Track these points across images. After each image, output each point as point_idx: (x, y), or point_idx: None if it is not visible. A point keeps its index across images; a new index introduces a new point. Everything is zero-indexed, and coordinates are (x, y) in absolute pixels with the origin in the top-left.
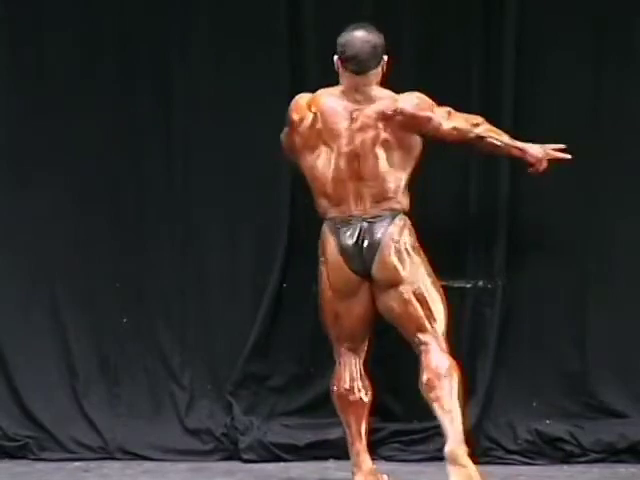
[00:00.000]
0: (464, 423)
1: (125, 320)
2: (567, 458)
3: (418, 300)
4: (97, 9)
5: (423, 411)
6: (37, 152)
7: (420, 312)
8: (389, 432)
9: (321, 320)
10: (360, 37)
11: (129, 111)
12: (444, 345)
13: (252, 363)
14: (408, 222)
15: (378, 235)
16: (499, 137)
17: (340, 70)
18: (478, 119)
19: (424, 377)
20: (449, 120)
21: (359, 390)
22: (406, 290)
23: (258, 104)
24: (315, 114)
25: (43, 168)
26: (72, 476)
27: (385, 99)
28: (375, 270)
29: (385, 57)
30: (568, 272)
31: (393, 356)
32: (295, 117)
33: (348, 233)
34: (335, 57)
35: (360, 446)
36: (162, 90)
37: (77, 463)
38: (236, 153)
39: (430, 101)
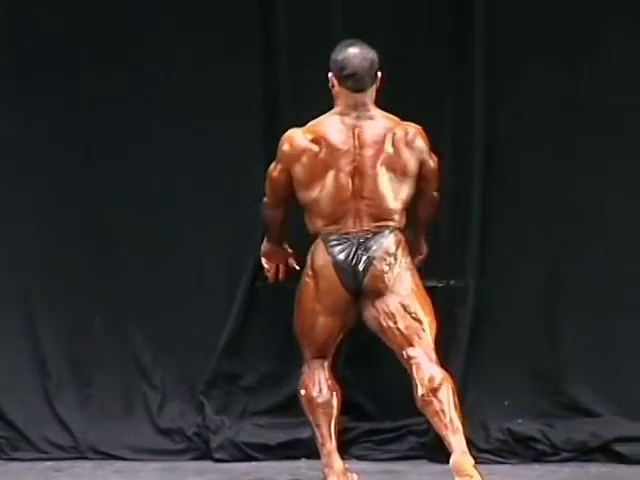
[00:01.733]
0: (464, 432)
1: (97, 320)
2: (539, 457)
3: (406, 313)
4: (69, 8)
5: (395, 410)
6: (11, 154)
7: (408, 325)
8: (361, 431)
9: (294, 328)
10: (357, 54)
11: (105, 111)
12: (434, 356)
13: (224, 363)
14: (403, 238)
15: (373, 249)
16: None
17: (336, 88)
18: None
19: (419, 393)
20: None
21: (327, 392)
22: (393, 303)
23: (232, 104)
24: (318, 143)
25: (16, 170)
26: (43, 476)
27: (387, 119)
28: (366, 281)
29: (379, 73)
30: (540, 271)
31: (365, 355)
32: (291, 150)
33: (343, 250)
34: (330, 74)
35: (331, 446)
36: (137, 90)
37: (49, 463)
38: (210, 153)
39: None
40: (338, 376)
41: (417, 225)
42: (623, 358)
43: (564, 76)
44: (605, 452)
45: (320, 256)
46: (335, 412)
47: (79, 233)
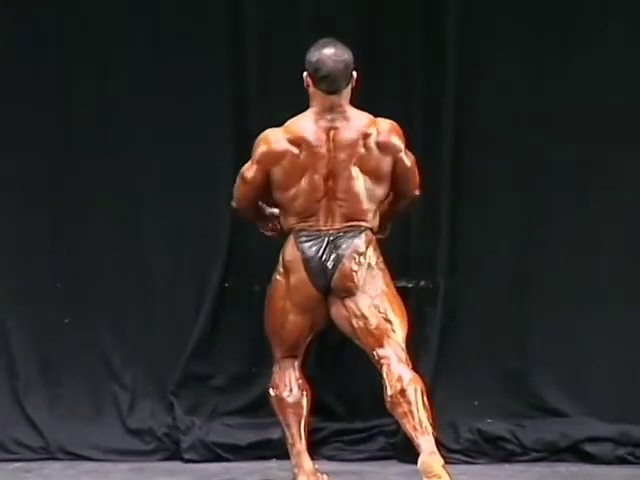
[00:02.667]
0: (434, 433)
1: (66, 320)
2: (508, 457)
3: (376, 313)
4: (34, 8)
5: (365, 410)
6: None
7: (378, 326)
8: (331, 432)
9: (265, 326)
10: (331, 55)
11: (69, 109)
12: (403, 357)
13: (194, 363)
14: (374, 239)
15: (343, 247)
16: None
17: (311, 89)
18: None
19: (388, 394)
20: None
21: (298, 392)
22: (363, 303)
23: (199, 105)
24: (298, 145)
25: None
26: (12, 477)
27: (362, 119)
28: (335, 279)
29: (354, 73)
30: (510, 272)
31: (335, 356)
32: (269, 152)
33: (314, 247)
34: (305, 74)
35: (301, 447)
36: (102, 88)
37: (18, 464)
38: (178, 153)
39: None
40: (308, 376)
41: (390, 210)
42: (592, 359)
43: (535, 77)
44: (574, 452)
45: (290, 252)
46: (305, 412)
47: (48, 233)
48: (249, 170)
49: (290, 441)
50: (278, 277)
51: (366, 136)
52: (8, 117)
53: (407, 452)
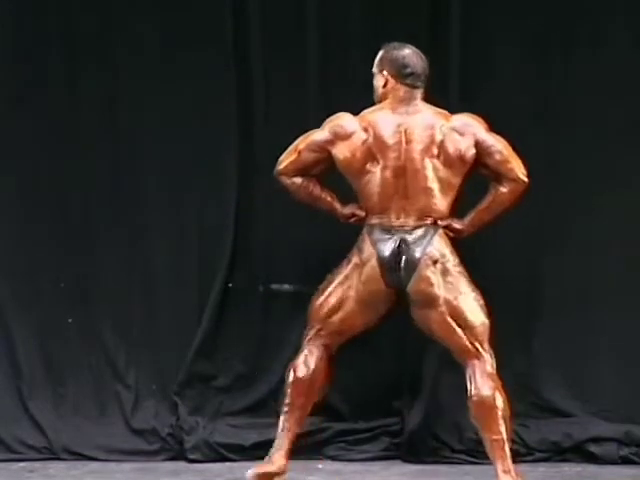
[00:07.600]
0: (511, 446)
1: (70, 320)
2: (513, 457)
3: (457, 322)
4: (42, 7)
5: (369, 411)
6: None
7: (460, 334)
8: (334, 432)
9: (313, 305)
10: (417, 52)
11: (75, 111)
12: (488, 364)
13: (198, 363)
14: (448, 240)
15: (417, 252)
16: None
17: (390, 85)
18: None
19: (469, 405)
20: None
21: (322, 380)
22: (444, 311)
23: (203, 105)
24: (367, 131)
25: None
26: (16, 477)
27: (436, 114)
28: (412, 287)
29: None
30: (516, 272)
31: (339, 356)
32: (340, 124)
33: (387, 244)
34: (381, 73)
35: (287, 440)
36: (108, 90)
37: (22, 464)
38: (183, 153)
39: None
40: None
41: (493, 204)
42: (596, 359)
43: (540, 77)
44: (578, 452)
45: (365, 248)
46: (315, 400)
47: (52, 233)
48: (317, 133)
49: (286, 426)
50: (347, 266)
51: (442, 126)
52: (11, 117)
53: (411, 452)
